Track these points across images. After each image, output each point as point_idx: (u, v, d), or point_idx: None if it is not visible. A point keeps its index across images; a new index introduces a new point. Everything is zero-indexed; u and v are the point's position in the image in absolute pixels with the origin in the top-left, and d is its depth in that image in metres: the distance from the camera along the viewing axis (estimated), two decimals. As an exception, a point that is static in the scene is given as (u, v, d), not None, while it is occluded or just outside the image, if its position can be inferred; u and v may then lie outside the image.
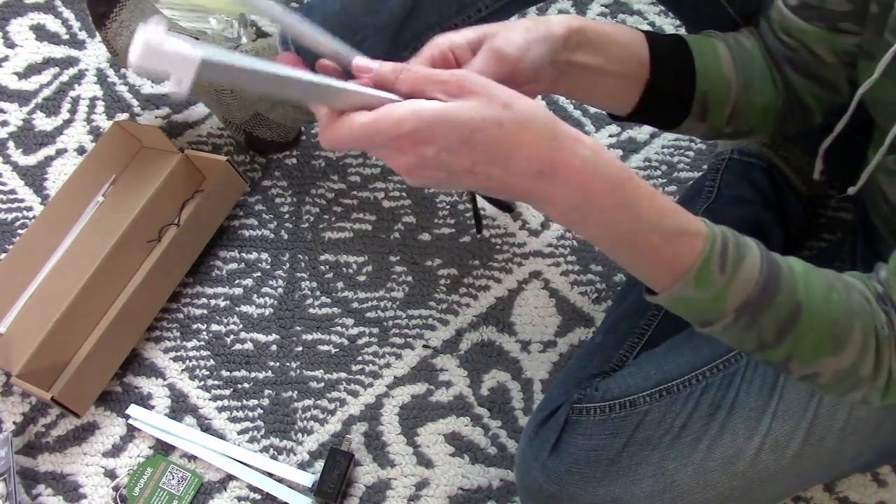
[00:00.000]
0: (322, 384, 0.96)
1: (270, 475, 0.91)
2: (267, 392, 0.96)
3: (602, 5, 1.21)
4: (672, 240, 0.48)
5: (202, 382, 0.97)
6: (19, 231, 1.07)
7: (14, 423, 0.95)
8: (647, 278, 0.51)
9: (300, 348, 0.99)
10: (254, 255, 1.04)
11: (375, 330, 0.99)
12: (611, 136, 1.11)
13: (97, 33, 1.01)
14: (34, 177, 1.11)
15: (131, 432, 0.94)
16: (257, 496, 0.90)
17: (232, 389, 0.96)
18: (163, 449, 0.93)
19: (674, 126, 0.70)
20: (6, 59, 1.20)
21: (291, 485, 0.90)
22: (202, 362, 0.98)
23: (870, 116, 0.66)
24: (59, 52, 1.20)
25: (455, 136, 0.44)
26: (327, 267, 1.03)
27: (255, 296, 1.02)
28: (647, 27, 1.19)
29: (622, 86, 0.64)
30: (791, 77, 0.70)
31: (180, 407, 0.96)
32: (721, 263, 0.48)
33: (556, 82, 0.60)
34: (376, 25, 0.82)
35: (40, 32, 1.22)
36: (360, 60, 0.49)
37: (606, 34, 0.61)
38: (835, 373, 0.52)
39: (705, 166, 1.07)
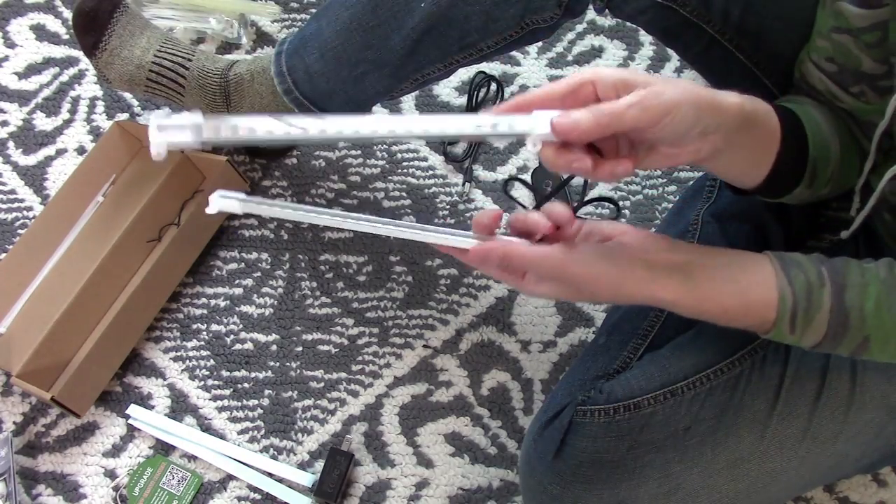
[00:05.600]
0: (322, 384, 0.96)
1: (270, 475, 0.91)
2: (267, 392, 0.96)
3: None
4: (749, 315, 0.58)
5: (202, 382, 0.97)
6: (19, 231, 1.07)
7: (14, 423, 0.95)
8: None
9: (300, 348, 0.99)
10: (254, 255, 1.04)
11: (375, 330, 0.99)
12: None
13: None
14: (34, 177, 1.11)
15: (131, 432, 0.94)
16: (257, 496, 0.90)
17: (232, 389, 0.96)
18: (163, 449, 0.93)
19: (781, 196, 0.68)
20: (6, 59, 1.20)
21: (291, 485, 0.90)
22: (202, 362, 0.98)
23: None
24: (59, 52, 1.20)
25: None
26: (327, 267, 1.03)
27: (255, 296, 1.02)
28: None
29: (761, 159, 0.62)
30: (859, 136, 0.70)
31: (180, 407, 0.95)
32: (791, 328, 0.58)
33: (706, 157, 0.55)
34: (377, 61, 0.81)
35: (40, 32, 1.22)
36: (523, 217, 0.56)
37: (761, 111, 0.58)
38: None
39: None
